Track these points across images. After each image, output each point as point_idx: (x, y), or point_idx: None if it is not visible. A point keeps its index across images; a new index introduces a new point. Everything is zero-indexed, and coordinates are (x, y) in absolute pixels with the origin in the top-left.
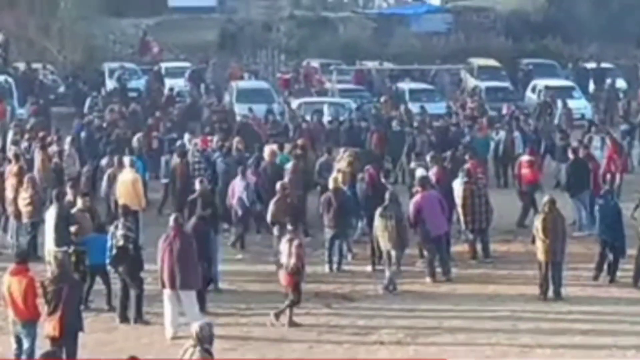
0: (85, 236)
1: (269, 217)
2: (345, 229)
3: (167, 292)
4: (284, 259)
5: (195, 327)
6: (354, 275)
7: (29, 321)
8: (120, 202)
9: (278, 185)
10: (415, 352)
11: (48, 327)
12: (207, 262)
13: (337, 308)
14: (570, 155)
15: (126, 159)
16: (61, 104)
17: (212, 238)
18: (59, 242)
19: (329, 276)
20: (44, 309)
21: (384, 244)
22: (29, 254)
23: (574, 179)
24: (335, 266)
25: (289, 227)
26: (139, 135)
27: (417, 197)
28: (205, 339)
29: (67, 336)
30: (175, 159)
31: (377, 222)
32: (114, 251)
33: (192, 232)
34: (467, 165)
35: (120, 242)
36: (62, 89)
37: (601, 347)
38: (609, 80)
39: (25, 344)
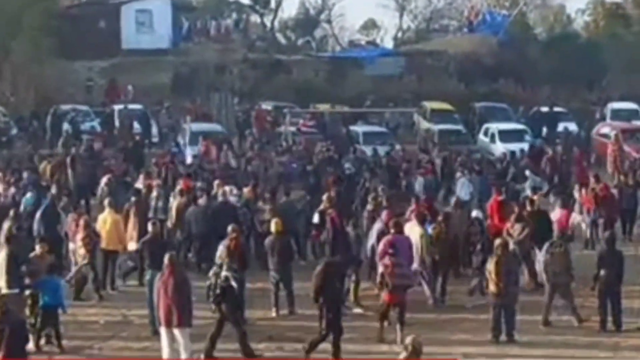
0: (38, 279)
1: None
2: (289, 273)
3: (162, 330)
4: None
5: (409, 340)
6: (306, 318)
7: None
8: (102, 244)
9: (229, 228)
10: None
11: None
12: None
13: (290, 350)
14: (528, 207)
15: (105, 201)
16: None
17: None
18: (10, 284)
19: (282, 319)
20: None
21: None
22: None
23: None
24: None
25: None
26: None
27: (389, 236)
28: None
29: None
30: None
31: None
32: (218, 290)
33: (322, 276)
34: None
35: (228, 282)
36: (14, 131)
37: None
38: (569, 126)
39: None
